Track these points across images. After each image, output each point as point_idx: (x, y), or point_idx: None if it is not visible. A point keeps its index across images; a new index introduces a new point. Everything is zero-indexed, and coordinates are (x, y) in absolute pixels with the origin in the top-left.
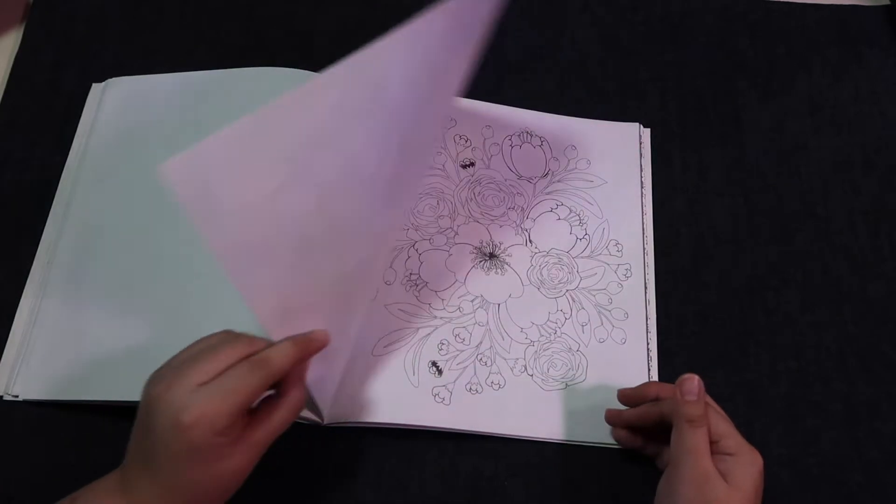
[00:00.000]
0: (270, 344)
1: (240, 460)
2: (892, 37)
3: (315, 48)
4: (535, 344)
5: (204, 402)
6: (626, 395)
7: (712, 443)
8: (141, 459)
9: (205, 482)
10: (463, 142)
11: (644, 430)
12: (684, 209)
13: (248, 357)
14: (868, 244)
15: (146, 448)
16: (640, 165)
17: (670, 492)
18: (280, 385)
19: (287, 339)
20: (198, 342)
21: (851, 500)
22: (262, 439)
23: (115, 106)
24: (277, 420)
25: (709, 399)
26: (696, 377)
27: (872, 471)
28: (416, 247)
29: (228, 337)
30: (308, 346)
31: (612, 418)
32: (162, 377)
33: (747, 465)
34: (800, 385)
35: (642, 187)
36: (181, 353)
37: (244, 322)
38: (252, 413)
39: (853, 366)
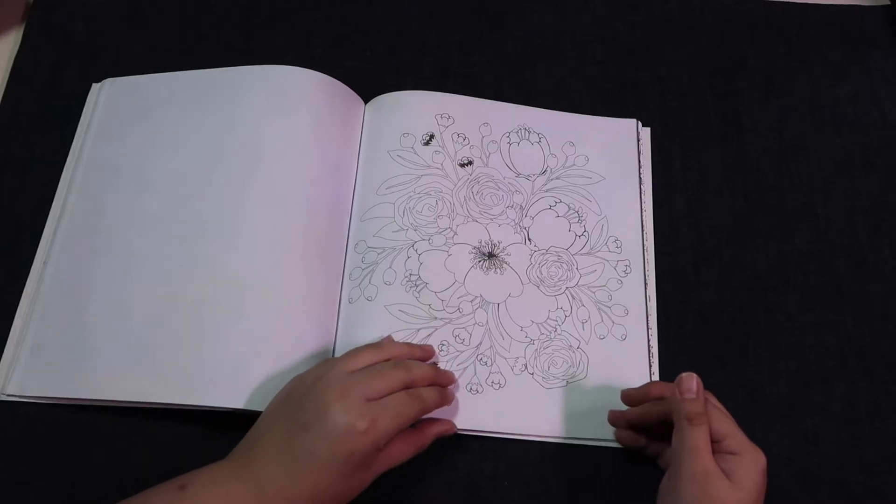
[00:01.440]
0: (420, 370)
1: (366, 479)
2: (892, 37)
3: (315, 48)
4: (536, 342)
5: (377, 416)
6: (629, 395)
7: (715, 442)
8: (278, 452)
9: (340, 487)
10: (461, 140)
11: (646, 430)
12: (684, 209)
13: (403, 384)
14: (868, 244)
15: (296, 442)
16: (639, 162)
17: (672, 491)
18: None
19: (434, 386)
20: (354, 355)
21: (851, 500)
22: (387, 466)
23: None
24: (405, 454)
25: (713, 398)
26: (695, 375)
27: (872, 471)
28: (415, 247)
29: (391, 362)
30: (447, 397)
31: (614, 419)
32: (329, 383)
33: (750, 464)
34: (800, 385)
35: (641, 183)
36: (340, 365)
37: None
38: None
39: (853, 366)
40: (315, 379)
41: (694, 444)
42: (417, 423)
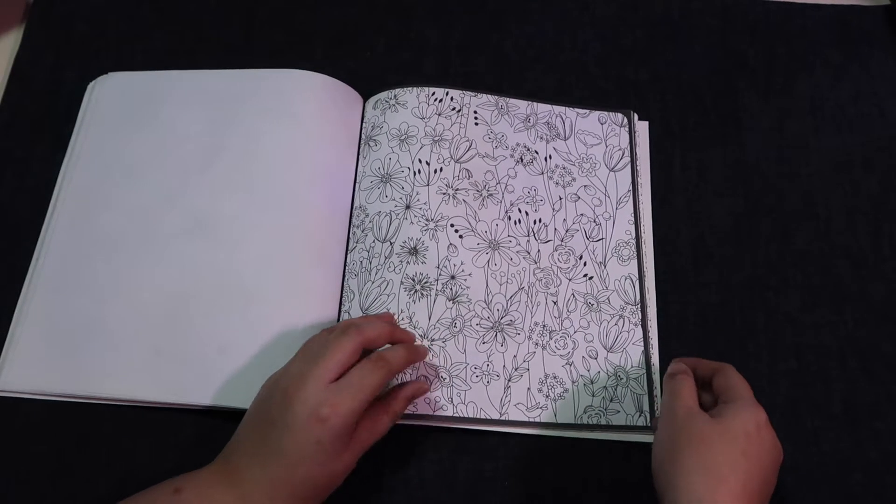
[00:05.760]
0: (368, 322)
1: (348, 461)
2: (893, 37)
3: (315, 48)
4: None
5: (339, 398)
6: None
7: (719, 392)
8: (255, 452)
9: (317, 478)
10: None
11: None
12: (684, 209)
13: (361, 348)
14: (868, 244)
15: (268, 440)
16: (635, 153)
17: (659, 438)
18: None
19: (399, 344)
20: (308, 342)
21: (852, 500)
22: (366, 442)
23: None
24: (382, 425)
25: (733, 369)
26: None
27: (872, 471)
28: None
29: (339, 330)
30: (416, 354)
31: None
32: (290, 375)
33: (742, 409)
34: (800, 385)
35: (637, 175)
36: (299, 356)
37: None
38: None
39: (853, 366)
40: (279, 375)
41: (675, 388)
42: (389, 391)
